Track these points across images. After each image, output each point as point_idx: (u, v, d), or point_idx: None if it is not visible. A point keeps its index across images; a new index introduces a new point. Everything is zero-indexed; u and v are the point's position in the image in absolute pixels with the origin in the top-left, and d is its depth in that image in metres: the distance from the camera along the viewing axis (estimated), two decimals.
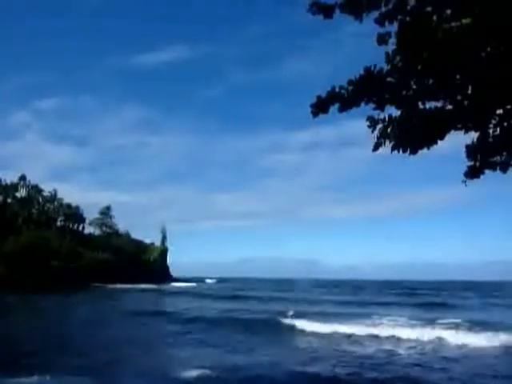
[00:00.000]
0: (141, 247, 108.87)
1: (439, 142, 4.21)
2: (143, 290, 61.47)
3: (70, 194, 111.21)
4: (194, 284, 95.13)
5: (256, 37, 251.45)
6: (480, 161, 4.42)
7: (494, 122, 4.26)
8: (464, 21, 3.65)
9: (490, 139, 4.30)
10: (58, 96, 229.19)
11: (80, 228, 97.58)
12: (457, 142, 4.55)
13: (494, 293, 66.48)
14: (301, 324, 19.88)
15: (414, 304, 38.76)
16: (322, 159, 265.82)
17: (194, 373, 10.90)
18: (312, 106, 4.21)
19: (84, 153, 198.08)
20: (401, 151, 4.14)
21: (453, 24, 3.69)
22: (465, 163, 4.60)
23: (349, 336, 17.53)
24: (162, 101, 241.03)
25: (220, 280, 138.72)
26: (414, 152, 4.18)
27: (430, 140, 4.18)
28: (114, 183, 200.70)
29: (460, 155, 4.66)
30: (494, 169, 4.41)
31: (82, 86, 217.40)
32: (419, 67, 4.06)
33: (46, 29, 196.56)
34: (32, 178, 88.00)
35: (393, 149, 4.16)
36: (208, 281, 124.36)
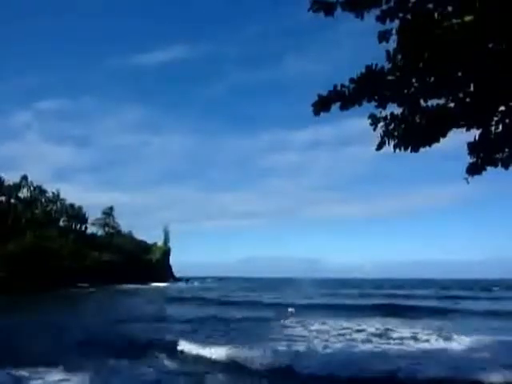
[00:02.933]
0: (143, 247, 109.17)
1: (441, 139, 4.22)
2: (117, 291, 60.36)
3: (71, 195, 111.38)
4: (167, 284, 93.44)
5: (255, 36, 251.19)
6: (482, 158, 4.42)
7: (496, 119, 4.26)
8: (465, 18, 3.64)
9: (492, 136, 4.30)
10: (58, 96, 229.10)
11: (83, 228, 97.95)
12: (457, 139, 4.55)
13: (482, 292, 64.77)
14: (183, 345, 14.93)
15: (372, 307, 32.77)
16: (323, 158, 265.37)
17: None
18: (313, 104, 4.21)
19: (85, 153, 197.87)
20: (403, 149, 4.14)
21: (454, 21, 3.69)
22: (465, 161, 4.60)
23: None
24: (162, 100, 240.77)
25: (219, 279, 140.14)
26: (415, 150, 4.19)
27: (432, 138, 4.19)
28: (115, 183, 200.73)
29: (460, 153, 4.67)
30: (496, 165, 4.41)
31: (82, 87, 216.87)
32: (421, 65, 4.05)
33: (46, 29, 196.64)
34: (33, 179, 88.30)
35: (395, 147, 4.17)
36: (209, 281, 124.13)
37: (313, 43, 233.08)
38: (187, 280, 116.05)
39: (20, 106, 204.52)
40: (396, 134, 4.14)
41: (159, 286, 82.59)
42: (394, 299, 42.39)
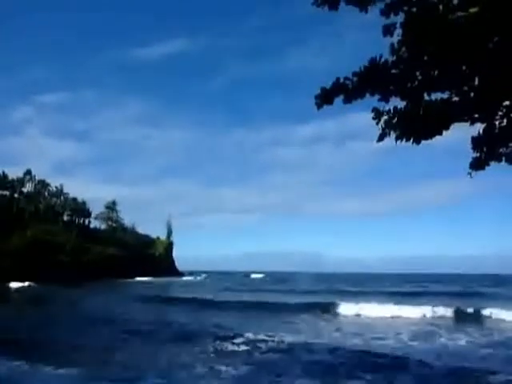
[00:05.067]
0: (146, 241, 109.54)
1: (444, 133, 4.21)
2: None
3: (73, 189, 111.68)
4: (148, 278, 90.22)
5: (256, 29, 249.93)
6: (486, 152, 4.40)
7: (500, 113, 4.23)
8: (471, 10, 3.62)
9: (496, 131, 4.27)
10: (59, 91, 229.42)
11: (86, 222, 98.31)
12: (460, 136, 4.53)
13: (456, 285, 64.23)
14: None
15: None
16: (325, 153, 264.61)
17: None
18: (317, 97, 4.20)
19: (86, 147, 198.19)
20: (404, 141, 4.14)
21: (459, 14, 3.66)
22: (466, 158, 4.58)
23: None
24: (162, 94, 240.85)
25: (216, 273, 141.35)
26: (417, 142, 4.18)
27: (434, 131, 4.18)
28: (116, 177, 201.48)
29: (463, 149, 4.65)
30: (500, 160, 4.39)
31: (83, 81, 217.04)
32: (425, 58, 4.04)
33: (46, 24, 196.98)
34: (35, 174, 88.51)
35: (397, 139, 4.16)
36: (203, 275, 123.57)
37: (314, 37, 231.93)
38: (189, 274, 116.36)
39: (21, 100, 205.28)
40: (399, 126, 4.13)
41: (144, 281, 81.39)
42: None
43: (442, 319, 22.48)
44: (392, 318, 23.39)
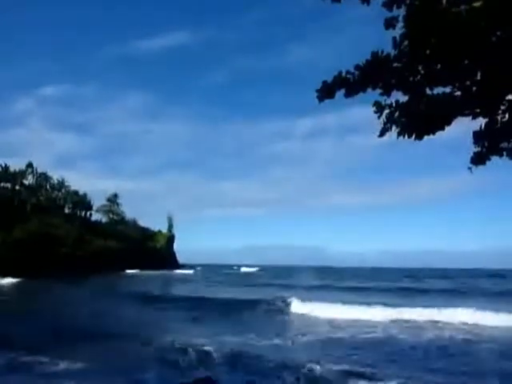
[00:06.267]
0: (147, 234, 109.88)
1: (446, 127, 4.19)
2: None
3: (74, 182, 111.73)
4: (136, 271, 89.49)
5: (257, 23, 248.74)
6: (487, 147, 4.39)
7: (502, 108, 4.22)
8: (474, 4, 3.59)
9: (498, 125, 4.26)
10: (60, 83, 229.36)
11: (87, 215, 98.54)
12: (460, 130, 4.51)
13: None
14: None
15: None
16: (327, 146, 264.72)
17: None
18: (318, 90, 4.18)
19: (87, 140, 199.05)
20: (406, 136, 4.12)
21: (462, 7, 3.63)
22: (467, 152, 4.57)
23: None
24: (163, 87, 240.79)
25: (213, 266, 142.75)
26: (419, 137, 4.16)
27: (436, 126, 4.16)
28: (117, 171, 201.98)
29: (463, 144, 4.64)
30: (501, 155, 4.39)
31: (84, 74, 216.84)
32: (427, 52, 4.01)
33: (48, 17, 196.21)
34: (36, 166, 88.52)
35: (399, 134, 4.14)
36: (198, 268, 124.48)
37: (315, 31, 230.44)
38: (190, 267, 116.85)
39: (22, 93, 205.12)
40: (400, 121, 4.11)
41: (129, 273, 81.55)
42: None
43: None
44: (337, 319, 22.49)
